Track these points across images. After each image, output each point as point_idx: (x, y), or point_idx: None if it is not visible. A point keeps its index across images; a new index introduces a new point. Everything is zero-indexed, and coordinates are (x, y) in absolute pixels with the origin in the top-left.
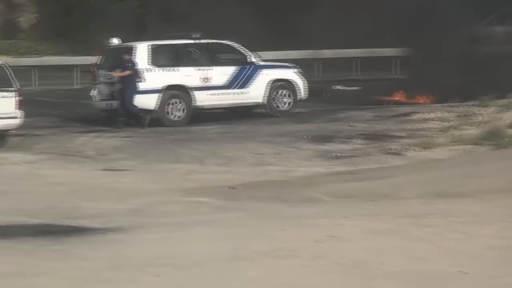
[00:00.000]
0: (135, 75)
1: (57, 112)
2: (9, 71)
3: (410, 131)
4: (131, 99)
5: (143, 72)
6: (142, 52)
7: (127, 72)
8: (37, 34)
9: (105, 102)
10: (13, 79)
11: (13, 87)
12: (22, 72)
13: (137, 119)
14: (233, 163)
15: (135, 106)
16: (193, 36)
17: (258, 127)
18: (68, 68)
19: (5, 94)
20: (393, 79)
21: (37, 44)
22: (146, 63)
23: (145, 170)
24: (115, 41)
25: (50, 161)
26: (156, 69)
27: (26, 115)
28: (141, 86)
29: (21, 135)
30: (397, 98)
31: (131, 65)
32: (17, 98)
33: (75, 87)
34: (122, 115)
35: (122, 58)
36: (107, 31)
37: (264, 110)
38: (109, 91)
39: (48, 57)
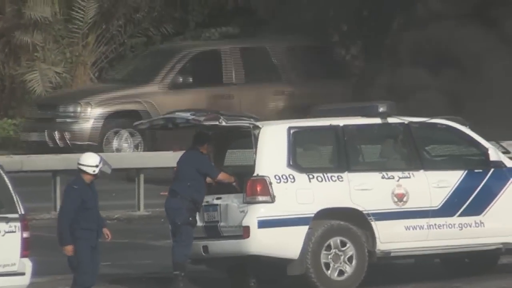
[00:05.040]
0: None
1: (103, 265)
2: (6, 177)
3: None
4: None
5: (273, 184)
6: (272, 141)
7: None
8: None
9: (201, 244)
10: (15, 195)
11: (15, 213)
12: (34, 183)
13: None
14: None
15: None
16: (378, 109)
17: None
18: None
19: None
20: None
21: None
22: (279, 165)
23: None
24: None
25: None
26: (301, 176)
27: (41, 269)
28: (269, 211)
29: None
30: None
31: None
32: (22, 235)
33: (139, 213)
34: (253, 273)
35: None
36: None
37: None
38: (208, 219)
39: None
